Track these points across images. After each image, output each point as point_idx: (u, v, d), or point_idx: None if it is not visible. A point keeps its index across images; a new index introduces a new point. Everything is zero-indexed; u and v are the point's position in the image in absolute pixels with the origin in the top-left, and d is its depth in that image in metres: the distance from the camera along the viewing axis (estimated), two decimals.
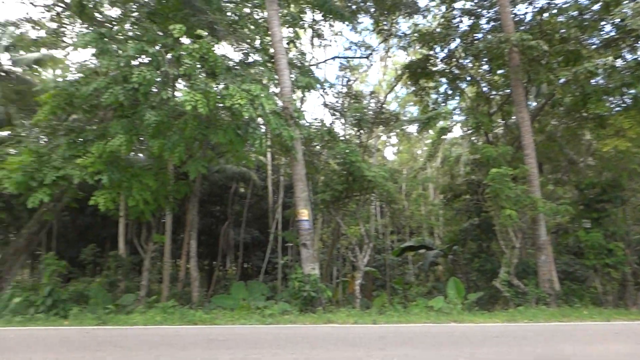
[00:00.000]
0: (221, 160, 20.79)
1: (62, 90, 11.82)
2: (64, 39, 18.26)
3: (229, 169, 22.80)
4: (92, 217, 22.22)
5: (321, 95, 21.10)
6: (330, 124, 20.76)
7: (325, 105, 21.48)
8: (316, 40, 21.77)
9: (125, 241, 20.78)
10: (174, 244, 19.80)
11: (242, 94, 10.95)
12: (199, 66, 11.59)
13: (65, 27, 17.75)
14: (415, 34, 19.47)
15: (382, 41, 22.68)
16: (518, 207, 13.87)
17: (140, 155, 17.09)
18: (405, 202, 27.39)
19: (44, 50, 20.91)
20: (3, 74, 20.28)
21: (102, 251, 23.38)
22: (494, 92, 20.39)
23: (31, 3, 16.40)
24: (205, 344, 8.04)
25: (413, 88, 21.20)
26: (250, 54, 16.12)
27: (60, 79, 11.86)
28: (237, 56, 17.48)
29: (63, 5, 16.39)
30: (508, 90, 18.31)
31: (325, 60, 23.17)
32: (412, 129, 25.43)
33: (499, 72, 18.65)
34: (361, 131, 20.84)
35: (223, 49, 18.26)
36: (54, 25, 17.70)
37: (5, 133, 18.64)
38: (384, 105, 22.48)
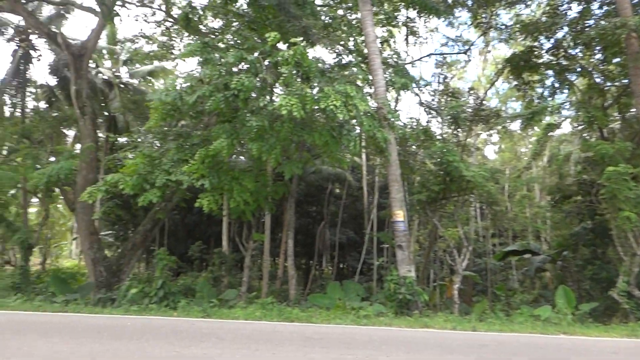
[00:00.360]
0: (317, 161, 21.17)
1: (172, 99, 12.74)
2: (173, 51, 19.90)
3: (325, 170, 23.11)
4: (198, 216, 23.69)
5: (416, 94, 20.64)
6: (426, 123, 20.25)
7: (421, 103, 20.96)
8: (411, 38, 21.33)
9: (228, 239, 21.90)
10: (272, 242, 20.50)
11: (336, 96, 11.05)
12: (294, 72, 11.90)
13: (174, 41, 19.33)
14: (518, 25, 18.36)
15: (480, 35, 21.67)
16: (639, 210, 12.53)
17: (242, 157, 17.96)
18: (508, 204, 25.87)
19: (156, 63, 22.93)
20: (122, 85, 22.47)
21: (208, 248, 24.86)
22: (608, 84, 18.58)
23: (145, 20, 18.04)
24: (301, 341, 8.21)
25: (515, 82, 20.01)
26: (343, 56, 16.24)
27: (170, 89, 12.73)
28: (330, 58, 17.68)
29: (172, 20, 17.82)
30: (626, 81, 16.62)
31: (421, 58, 22.76)
32: (515, 125, 23.93)
33: (615, 61, 16.92)
34: (459, 129, 20.07)
35: (317, 52, 18.59)
36: (164, 38, 19.38)
37: (124, 139, 20.65)
38: (483, 102, 21.44)
